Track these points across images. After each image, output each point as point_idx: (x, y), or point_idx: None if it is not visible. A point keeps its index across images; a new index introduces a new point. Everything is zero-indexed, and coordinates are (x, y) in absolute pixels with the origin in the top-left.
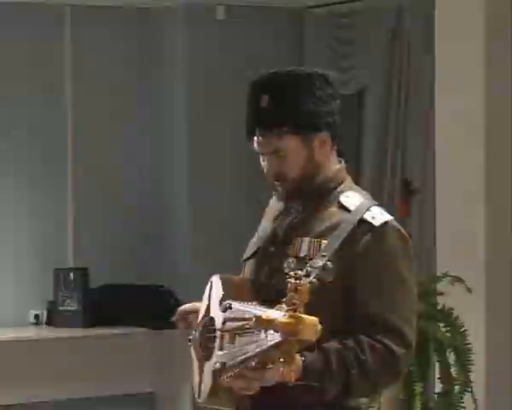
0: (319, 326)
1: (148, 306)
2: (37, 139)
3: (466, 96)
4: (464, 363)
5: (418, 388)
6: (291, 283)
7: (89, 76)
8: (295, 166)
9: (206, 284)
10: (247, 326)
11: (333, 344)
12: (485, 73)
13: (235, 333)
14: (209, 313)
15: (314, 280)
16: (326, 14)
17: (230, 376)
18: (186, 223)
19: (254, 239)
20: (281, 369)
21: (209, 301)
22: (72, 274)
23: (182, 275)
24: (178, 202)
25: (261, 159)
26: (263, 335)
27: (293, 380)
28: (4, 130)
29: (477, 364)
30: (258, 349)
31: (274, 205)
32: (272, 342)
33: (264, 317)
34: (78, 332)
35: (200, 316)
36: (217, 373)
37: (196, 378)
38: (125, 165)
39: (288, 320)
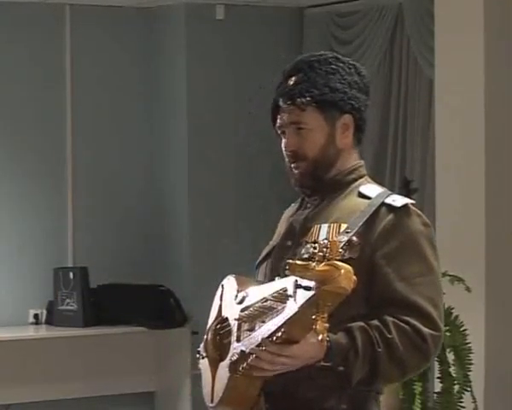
0: (354, 276)
1: (148, 306)
2: (36, 139)
3: (466, 95)
4: (464, 362)
5: (418, 387)
6: (319, 243)
7: (89, 76)
8: (316, 144)
9: (206, 283)
10: (271, 299)
11: (357, 324)
12: (485, 72)
13: (254, 318)
14: (221, 314)
15: (341, 251)
16: (326, 13)
17: (253, 358)
18: (186, 223)
19: (268, 245)
20: (313, 326)
21: (221, 301)
22: (71, 274)
23: (182, 275)
24: (178, 202)
25: (282, 141)
26: (291, 302)
27: (325, 336)
28: (4, 129)
29: (476, 363)
30: (286, 317)
31: (288, 213)
32: (303, 300)
33: (298, 262)
34: (78, 332)
35: (211, 320)
36: (234, 364)
37: (208, 387)
38: (125, 165)
39: (324, 267)
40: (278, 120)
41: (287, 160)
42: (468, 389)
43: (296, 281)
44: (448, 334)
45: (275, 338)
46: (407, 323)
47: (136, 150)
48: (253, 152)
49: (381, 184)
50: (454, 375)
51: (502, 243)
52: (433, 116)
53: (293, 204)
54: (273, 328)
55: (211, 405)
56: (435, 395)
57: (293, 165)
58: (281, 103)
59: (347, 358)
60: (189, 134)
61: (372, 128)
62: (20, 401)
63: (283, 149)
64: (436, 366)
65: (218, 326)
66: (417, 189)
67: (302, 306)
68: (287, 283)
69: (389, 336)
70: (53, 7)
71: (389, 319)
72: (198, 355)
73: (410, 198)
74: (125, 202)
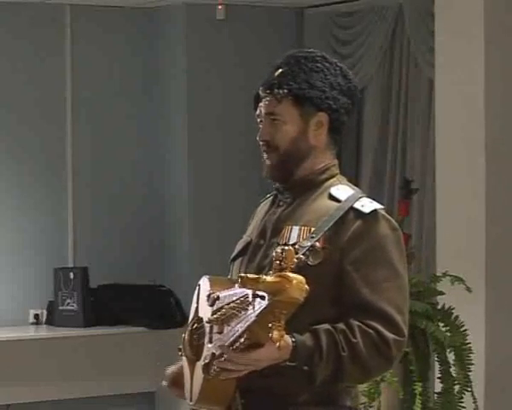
0: (306, 286)
1: (148, 306)
2: (37, 138)
3: (466, 94)
4: (464, 362)
5: (418, 387)
6: (276, 251)
7: (89, 76)
8: (287, 136)
9: None
10: (235, 305)
11: (323, 326)
12: (485, 71)
13: (223, 321)
14: (198, 314)
15: (301, 256)
16: (326, 13)
17: (219, 364)
18: (186, 223)
19: (242, 239)
20: (269, 335)
21: (197, 302)
22: (72, 274)
23: (182, 275)
24: (178, 202)
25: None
26: (250, 309)
27: (282, 343)
28: (4, 129)
29: (477, 363)
30: (246, 324)
31: (264, 207)
32: (259, 310)
33: (249, 276)
34: (78, 332)
35: (190, 320)
36: (207, 366)
37: (187, 385)
38: (125, 164)
39: (274, 279)
40: (257, 109)
41: (261, 150)
42: (469, 389)
43: (253, 290)
44: (448, 334)
45: (239, 344)
46: (372, 327)
47: (136, 150)
48: (254, 154)
49: (354, 184)
50: (454, 375)
51: (502, 243)
52: (433, 116)
53: (268, 195)
54: (237, 334)
55: (190, 403)
56: (436, 395)
57: (265, 155)
58: (260, 92)
59: (312, 359)
60: (190, 134)
61: (372, 128)
62: (20, 401)
63: (258, 138)
64: (436, 366)
65: (195, 326)
66: (417, 189)
67: (259, 315)
68: (248, 290)
69: (354, 340)
70: (53, 7)
71: (355, 322)
72: (180, 353)
73: (409, 197)
74: (126, 202)
